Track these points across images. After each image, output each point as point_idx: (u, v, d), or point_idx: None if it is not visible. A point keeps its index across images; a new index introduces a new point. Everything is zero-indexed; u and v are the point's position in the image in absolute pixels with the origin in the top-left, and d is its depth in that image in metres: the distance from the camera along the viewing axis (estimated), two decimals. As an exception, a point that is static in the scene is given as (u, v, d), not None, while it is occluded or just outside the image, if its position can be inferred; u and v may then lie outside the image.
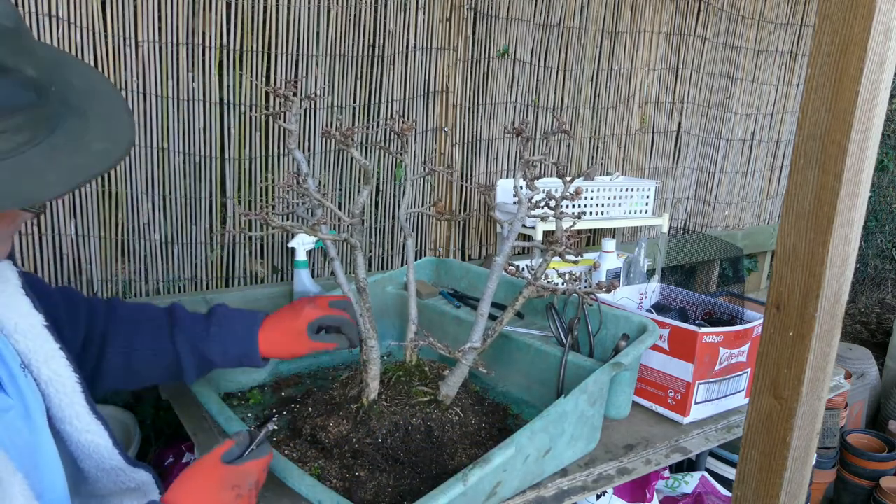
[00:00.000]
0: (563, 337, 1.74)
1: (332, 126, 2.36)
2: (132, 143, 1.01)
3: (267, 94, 2.22)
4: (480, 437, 1.46)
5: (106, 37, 1.97)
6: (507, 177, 2.88)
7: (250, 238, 2.29)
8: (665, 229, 2.82)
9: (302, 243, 2.09)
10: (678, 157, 3.53)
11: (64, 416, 1.12)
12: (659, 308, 2.11)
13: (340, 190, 2.44)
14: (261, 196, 2.25)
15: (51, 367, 1.12)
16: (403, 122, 1.38)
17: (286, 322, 1.45)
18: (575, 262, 1.36)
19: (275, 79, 2.23)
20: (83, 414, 1.15)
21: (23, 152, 0.88)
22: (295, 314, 1.46)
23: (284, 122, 1.41)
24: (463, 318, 1.83)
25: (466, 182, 2.77)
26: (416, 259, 2.49)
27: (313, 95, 1.46)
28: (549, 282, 1.41)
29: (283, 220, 1.32)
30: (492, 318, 1.86)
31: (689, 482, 1.94)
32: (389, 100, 2.48)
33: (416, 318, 1.58)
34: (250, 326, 1.44)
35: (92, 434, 1.16)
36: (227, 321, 1.45)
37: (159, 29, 2.04)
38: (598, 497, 1.65)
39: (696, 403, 1.71)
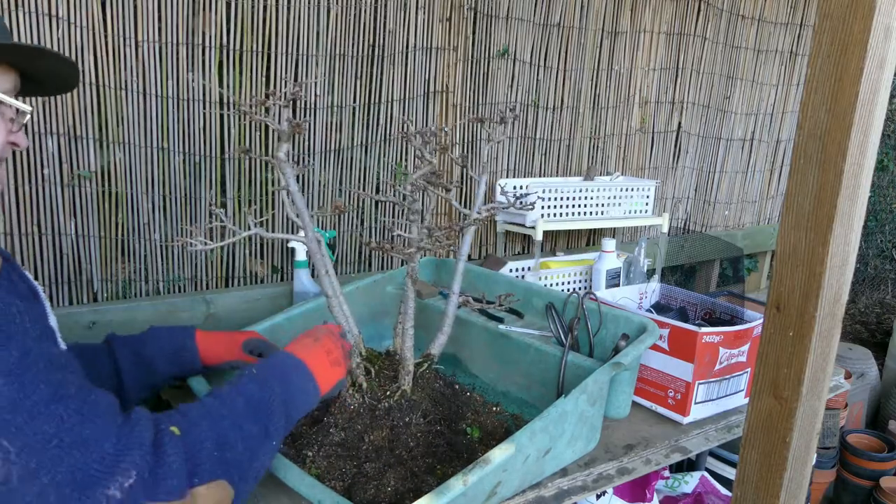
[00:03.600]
0: (563, 337, 1.73)
1: (332, 125, 2.36)
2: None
3: (266, 95, 2.22)
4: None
5: (106, 37, 1.97)
6: (507, 176, 2.88)
7: (249, 238, 2.29)
8: (665, 229, 2.82)
9: (302, 243, 2.09)
10: (678, 157, 3.53)
11: None
12: (659, 308, 2.10)
13: (341, 189, 2.45)
14: (259, 195, 2.25)
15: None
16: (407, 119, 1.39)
17: (223, 336, 1.60)
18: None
19: (275, 79, 2.23)
20: None
21: None
22: (231, 335, 1.61)
23: (270, 119, 1.42)
24: (463, 317, 1.82)
25: (465, 183, 2.77)
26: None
27: (297, 89, 1.47)
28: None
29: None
30: (498, 319, 1.89)
31: (689, 482, 1.94)
32: (389, 100, 2.48)
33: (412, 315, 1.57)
34: (186, 335, 1.55)
35: None
36: (162, 332, 1.55)
37: (159, 29, 2.03)
38: (598, 497, 1.65)
39: (695, 403, 1.71)
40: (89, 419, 0.96)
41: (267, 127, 2.23)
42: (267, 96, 1.37)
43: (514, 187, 2.69)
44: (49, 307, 1.19)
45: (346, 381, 1.43)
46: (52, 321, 1.16)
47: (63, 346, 1.16)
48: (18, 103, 1.14)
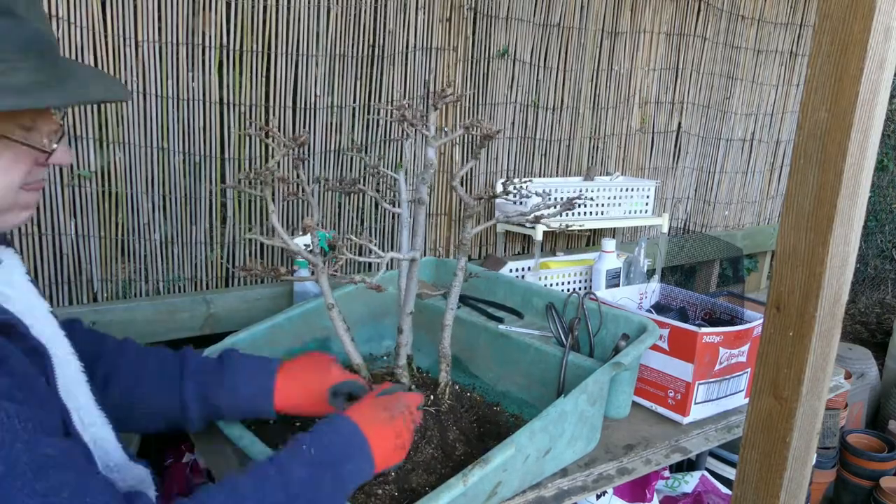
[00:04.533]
0: (563, 337, 1.73)
1: (331, 126, 2.36)
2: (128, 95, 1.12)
3: (266, 93, 2.22)
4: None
5: (106, 36, 1.97)
6: (507, 177, 2.87)
7: (250, 238, 2.28)
8: (665, 229, 2.82)
9: (304, 243, 2.08)
10: (678, 157, 3.53)
11: (69, 406, 1.09)
12: (659, 308, 2.11)
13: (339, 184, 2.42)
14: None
15: (60, 349, 1.12)
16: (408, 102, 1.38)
17: (309, 377, 1.42)
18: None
19: (275, 79, 2.23)
20: (89, 406, 1.14)
21: (41, 91, 0.94)
22: (319, 372, 1.43)
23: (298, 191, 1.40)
24: (464, 318, 1.81)
25: (467, 183, 2.78)
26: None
27: (303, 137, 1.44)
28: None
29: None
30: (498, 319, 1.89)
31: (689, 482, 1.93)
32: (389, 100, 2.48)
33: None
34: (266, 378, 1.40)
35: (97, 427, 1.14)
36: (242, 369, 1.41)
37: (159, 29, 2.03)
38: (598, 497, 1.65)
39: (695, 403, 1.71)
40: None
41: (267, 125, 2.23)
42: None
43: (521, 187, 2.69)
44: (58, 356, 1.10)
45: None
46: (59, 362, 1.08)
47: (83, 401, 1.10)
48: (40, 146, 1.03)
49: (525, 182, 1.52)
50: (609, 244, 2.41)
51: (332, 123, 2.38)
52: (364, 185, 1.56)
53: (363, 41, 2.39)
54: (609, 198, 2.77)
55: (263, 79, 2.22)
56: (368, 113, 2.46)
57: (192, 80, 2.11)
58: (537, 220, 1.48)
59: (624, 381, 1.67)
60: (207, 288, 2.28)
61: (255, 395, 1.38)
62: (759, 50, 3.60)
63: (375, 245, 1.35)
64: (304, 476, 1.09)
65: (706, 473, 1.99)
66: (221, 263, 2.29)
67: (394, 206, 1.52)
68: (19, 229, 1.94)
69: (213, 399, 1.37)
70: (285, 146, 1.40)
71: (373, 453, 1.20)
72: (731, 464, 2.12)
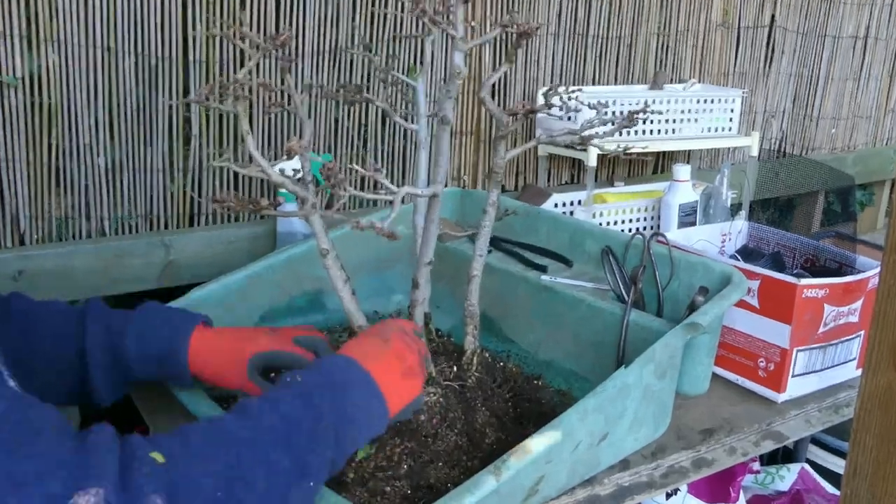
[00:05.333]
0: (623, 290, 1.72)
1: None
2: None
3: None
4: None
5: None
6: (551, 86, 2.82)
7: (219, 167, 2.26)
8: (754, 152, 2.79)
9: (291, 168, 2.07)
10: (771, 61, 3.48)
11: None
12: (746, 253, 2.09)
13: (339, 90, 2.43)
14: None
15: None
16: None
17: (228, 342, 1.44)
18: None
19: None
20: None
21: None
22: (242, 338, 1.45)
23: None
24: (496, 266, 1.80)
25: (498, 93, 2.75)
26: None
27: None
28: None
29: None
30: (539, 268, 1.88)
31: (786, 477, 1.94)
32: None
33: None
34: (181, 331, 1.42)
35: None
36: (155, 314, 1.43)
37: None
38: (669, 496, 1.65)
39: (793, 376, 1.70)
40: (25, 453, 0.86)
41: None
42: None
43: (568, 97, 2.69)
44: None
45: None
46: None
47: None
48: None
49: (574, 92, 1.50)
50: (682, 171, 2.41)
51: (326, 15, 2.35)
52: (370, 93, 1.54)
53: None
54: (682, 112, 2.75)
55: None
56: (374, 3, 2.43)
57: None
58: (589, 140, 1.47)
59: (701, 348, 1.66)
60: (166, 227, 2.27)
61: (166, 349, 1.39)
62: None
63: (385, 175, 1.33)
64: (298, 405, 1.10)
65: (807, 466, 1.99)
66: (185, 195, 2.29)
67: (407, 121, 1.50)
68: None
69: (120, 350, 1.37)
70: (260, 49, 1.37)
71: (379, 386, 1.21)
72: (840, 453, 2.12)
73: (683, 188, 2.41)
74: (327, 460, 1.10)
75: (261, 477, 1.00)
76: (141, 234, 2.23)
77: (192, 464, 0.96)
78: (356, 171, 1.30)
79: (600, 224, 2.47)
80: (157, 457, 0.93)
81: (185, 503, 0.92)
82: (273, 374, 1.42)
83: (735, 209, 2.56)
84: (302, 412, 1.09)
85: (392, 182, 1.34)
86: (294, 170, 1.48)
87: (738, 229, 2.16)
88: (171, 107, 2.19)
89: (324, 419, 1.11)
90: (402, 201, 1.31)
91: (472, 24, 2.53)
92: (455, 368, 1.51)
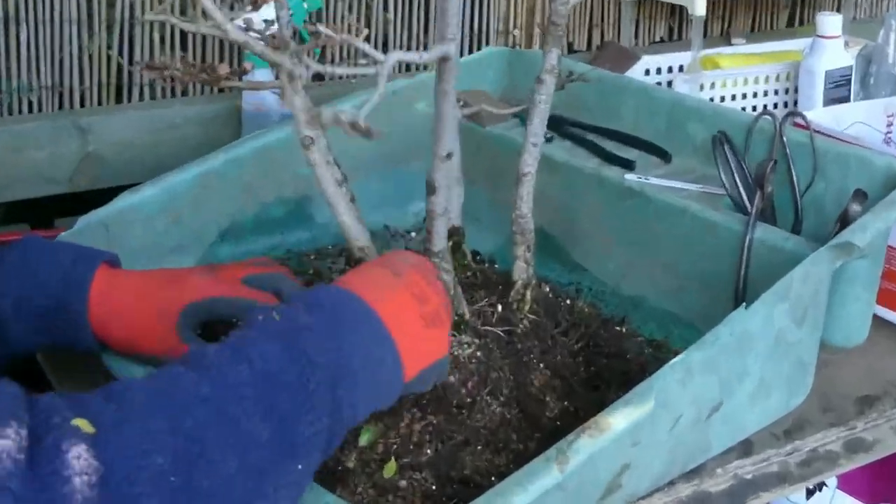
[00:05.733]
0: (744, 196, 1.70)
1: None
2: None
3: None
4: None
5: None
6: None
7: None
8: (936, -5, 2.77)
9: (261, 20, 2.06)
10: None
11: None
12: (924, 141, 2.08)
13: None
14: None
15: None
16: None
17: (147, 289, 1.43)
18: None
19: None
20: None
21: None
22: (167, 282, 1.44)
23: None
24: (559, 161, 1.79)
25: None
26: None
27: None
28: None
29: None
30: (623, 164, 1.86)
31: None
32: None
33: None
34: (79, 269, 1.40)
35: None
36: (40, 251, 1.43)
37: None
38: (811, 493, 1.65)
39: None
40: None
41: None
42: None
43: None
44: None
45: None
46: None
47: None
48: None
49: None
50: (830, 23, 2.39)
51: None
52: None
53: None
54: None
55: None
56: None
57: None
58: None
59: (857, 280, 1.63)
60: (82, 105, 2.28)
61: (54, 305, 1.37)
62: None
63: (365, 41, 1.29)
64: (277, 352, 1.04)
65: None
66: (108, 60, 2.29)
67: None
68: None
69: None
70: None
71: (390, 331, 1.16)
72: None
73: (832, 48, 2.39)
74: (322, 432, 1.04)
75: (230, 454, 0.94)
76: (46, 113, 2.23)
77: (133, 435, 0.90)
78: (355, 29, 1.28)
79: (711, 100, 2.47)
80: (83, 425, 0.87)
81: (122, 491, 0.87)
82: (217, 333, 1.37)
83: (907, 77, 2.54)
84: (284, 363, 1.03)
85: (411, 40, 1.30)
86: (266, 21, 1.45)
87: (912, 108, 2.14)
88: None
89: (316, 373, 1.04)
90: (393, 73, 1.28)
91: None
92: (500, 308, 1.48)
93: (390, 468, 1.29)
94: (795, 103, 2.51)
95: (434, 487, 1.28)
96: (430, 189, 1.44)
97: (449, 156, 1.43)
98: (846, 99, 2.40)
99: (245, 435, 0.96)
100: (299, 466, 1.01)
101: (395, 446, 1.32)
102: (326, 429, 1.04)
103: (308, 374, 1.03)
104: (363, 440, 1.30)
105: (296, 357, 1.04)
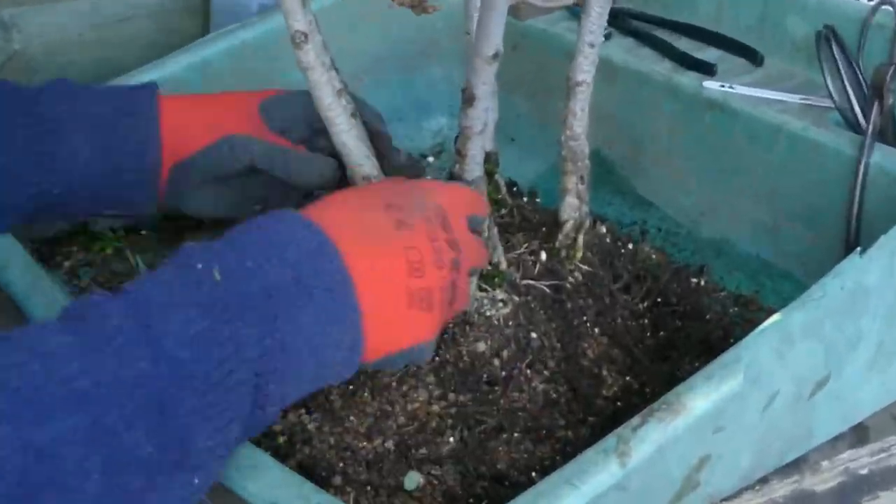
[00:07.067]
0: (857, 108, 1.66)
1: None
2: None
3: None
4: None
5: None
6: None
7: None
8: None
9: None
10: None
11: None
12: None
13: None
14: None
15: None
16: None
17: (219, 96, 1.54)
18: None
19: None
20: None
21: None
22: (231, 94, 1.55)
23: None
24: (620, 64, 1.78)
25: None
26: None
27: None
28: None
29: None
30: (702, 68, 1.85)
31: None
32: None
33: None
34: (139, 100, 1.48)
35: None
36: (87, 96, 1.48)
37: None
38: None
39: None
40: None
41: None
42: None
43: None
44: None
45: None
46: None
47: None
48: None
49: None
50: None
51: None
52: None
53: None
54: None
55: None
56: None
57: None
58: None
59: None
60: None
61: (129, 131, 1.45)
62: None
63: None
64: (196, 330, 0.94)
65: None
66: None
67: None
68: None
69: (50, 158, 1.40)
70: None
71: (358, 300, 1.08)
72: None
73: None
74: (230, 443, 0.97)
75: (92, 468, 0.84)
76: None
77: None
78: None
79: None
80: None
81: None
82: None
83: None
84: (201, 349, 0.94)
85: None
86: None
87: None
88: None
89: (242, 368, 0.95)
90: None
91: None
92: (544, 257, 1.46)
93: (412, 479, 1.26)
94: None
95: (459, 489, 1.25)
96: (468, 99, 1.38)
97: (496, 56, 1.40)
98: None
99: (116, 439, 0.87)
100: (195, 480, 0.93)
101: (409, 429, 1.31)
102: (236, 431, 0.98)
103: (230, 368, 0.95)
104: (409, 484, 1.27)
105: (221, 341, 0.95)
